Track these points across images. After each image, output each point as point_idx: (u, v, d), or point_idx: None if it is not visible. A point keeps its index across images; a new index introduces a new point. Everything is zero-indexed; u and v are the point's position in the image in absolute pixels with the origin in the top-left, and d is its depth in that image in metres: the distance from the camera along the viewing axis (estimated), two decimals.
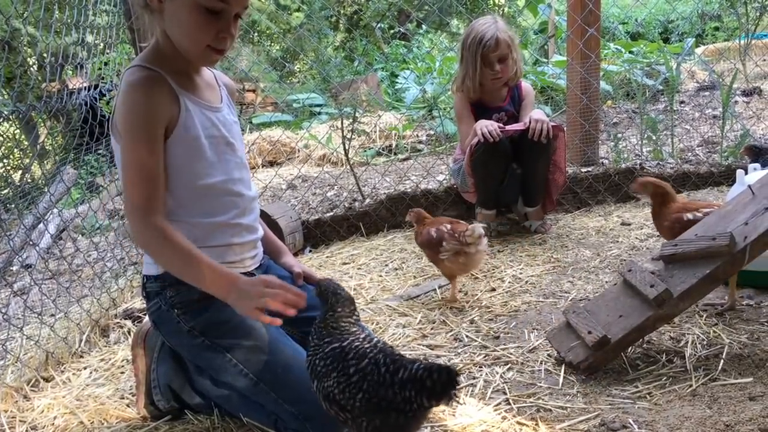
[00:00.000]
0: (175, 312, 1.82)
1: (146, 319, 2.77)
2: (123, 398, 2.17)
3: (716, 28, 11.14)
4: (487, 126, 3.42)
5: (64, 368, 2.49)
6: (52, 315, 2.92)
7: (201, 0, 1.68)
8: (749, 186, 2.17)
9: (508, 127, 3.46)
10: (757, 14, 7.25)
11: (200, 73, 1.89)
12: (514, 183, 3.62)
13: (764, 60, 6.99)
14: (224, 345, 1.79)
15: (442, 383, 1.37)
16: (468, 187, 3.72)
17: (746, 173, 2.82)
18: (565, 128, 4.44)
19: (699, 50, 8.45)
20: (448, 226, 2.72)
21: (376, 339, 1.59)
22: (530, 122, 3.41)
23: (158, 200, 1.72)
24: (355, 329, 1.61)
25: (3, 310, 3.22)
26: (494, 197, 3.69)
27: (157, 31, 1.78)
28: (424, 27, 11.23)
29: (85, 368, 2.48)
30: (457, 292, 2.78)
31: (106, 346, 2.70)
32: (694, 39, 8.33)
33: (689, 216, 2.44)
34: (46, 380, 2.39)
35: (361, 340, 1.57)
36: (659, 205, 2.55)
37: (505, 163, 3.54)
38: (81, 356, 2.61)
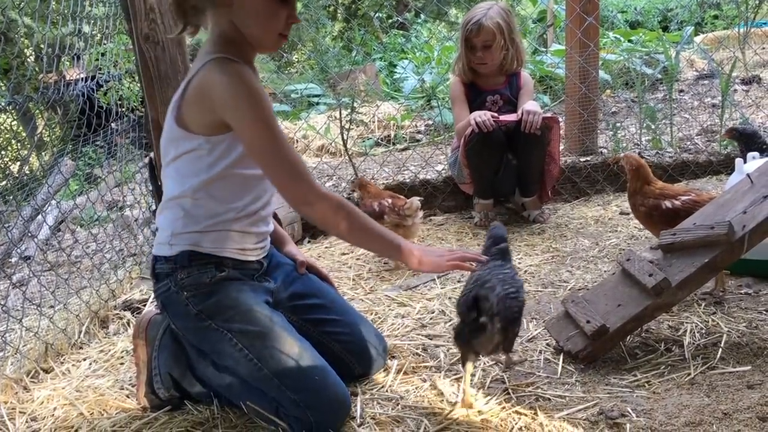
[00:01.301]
0: (184, 294, 1.84)
1: (147, 308, 2.80)
2: (123, 389, 2.17)
3: (715, 17, 11.10)
4: (482, 116, 3.43)
5: (64, 359, 2.49)
6: (51, 306, 2.92)
7: None
8: (748, 175, 2.17)
9: (502, 118, 3.46)
10: (757, 2, 7.23)
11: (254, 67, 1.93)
12: (509, 173, 3.63)
13: (763, 48, 6.98)
14: (231, 329, 1.81)
15: None
16: (464, 178, 3.73)
17: (745, 162, 2.82)
18: (562, 118, 4.44)
19: (698, 39, 8.42)
20: (389, 201, 3.04)
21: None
22: (522, 114, 3.41)
23: (308, 171, 1.81)
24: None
25: (2, 302, 3.23)
26: (490, 187, 3.69)
27: (222, 23, 1.80)
28: (422, 16, 11.19)
29: (84, 359, 2.48)
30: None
31: (105, 338, 2.70)
32: (693, 27, 8.30)
33: (668, 204, 2.50)
34: (46, 372, 2.40)
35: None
36: (636, 184, 2.62)
37: (499, 153, 3.55)
38: (80, 347, 2.61)
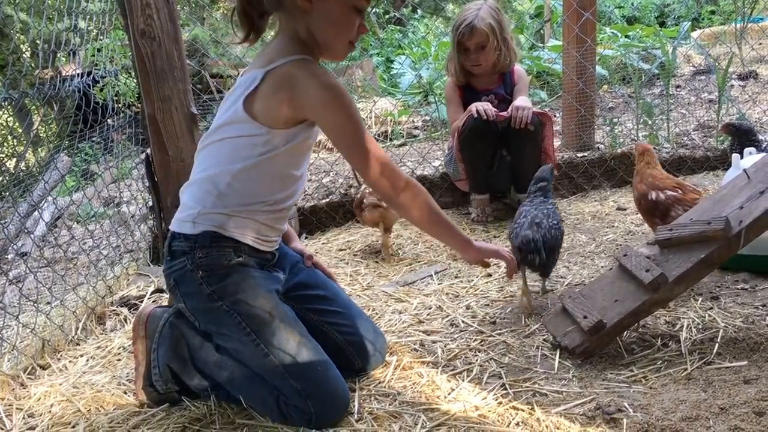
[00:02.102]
0: (199, 273, 1.85)
1: (146, 303, 2.79)
2: (120, 385, 2.17)
3: (712, 12, 11.10)
4: (483, 105, 3.47)
5: (61, 356, 2.49)
6: (48, 303, 2.92)
7: (354, 0, 1.82)
8: (744, 170, 2.17)
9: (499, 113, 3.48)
10: None
11: None
12: (504, 170, 3.65)
13: (760, 44, 6.98)
14: (241, 312, 1.82)
15: None
16: (459, 174, 3.74)
17: (741, 157, 2.82)
18: (559, 114, 4.44)
19: (695, 34, 8.42)
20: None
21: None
22: (512, 110, 3.43)
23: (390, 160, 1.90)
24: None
25: None
26: (484, 181, 3.70)
27: (297, 27, 1.84)
28: (419, 12, 11.18)
29: (81, 356, 2.48)
30: (389, 245, 3.26)
31: (102, 334, 2.70)
32: (690, 23, 8.30)
33: (653, 196, 2.58)
34: (43, 368, 2.39)
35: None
36: (639, 164, 2.75)
37: (492, 146, 3.58)
38: (77, 344, 2.61)
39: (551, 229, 2.36)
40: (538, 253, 2.30)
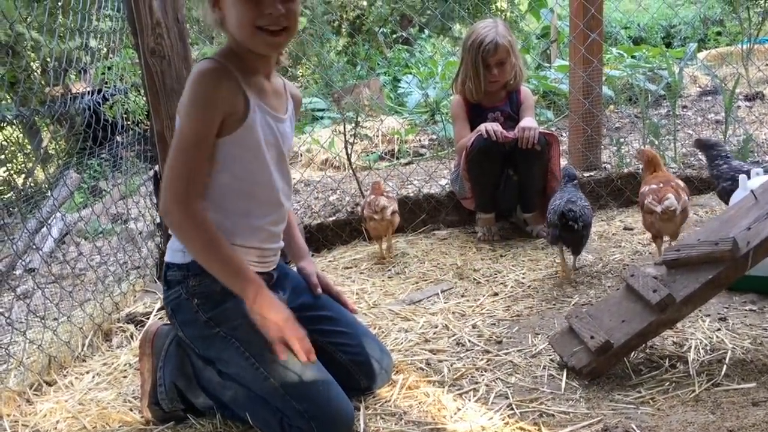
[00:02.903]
0: (195, 302, 1.85)
1: (152, 320, 2.80)
2: (126, 402, 2.17)
3: (719, 33, 11.14)
4: (493, 125, 3.49)
5: (67, 372, 2.49)
6: (55, 319, 2.92)
7: None
8: (752, 191, 2.17)
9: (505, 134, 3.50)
10: (760, 19, 7.25)
11: (270, 80, 1.93)
12: (510, 189, 3.66)
13: (767, 65, 7.00)
14: (238, 337, 1.81)
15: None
16: (466, 192, 3.75)
17: (749, 178, 2.82)
18: (566, 134, 4.45)
19: (701, 55, 8.46)
20: (371, 197, 3.43)
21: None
22: (518, 131, 3.46)
23: (198, 184, 1.77)
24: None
25: (6, 314, 3.23)
26: (491, 200, 3.71)
27: (229, 38, 1.84)
28: (426, 32, 11.25)
29: (87, 372, 2.48)
30: (382, 249, 3.52)
31: (108, 350, 2.70)
32: (696, 44, 8.33)
33: (642, 188, 2.92)
34: (49, 384, 2.40)
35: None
36: (645, 174, 3.05)
37: (499, 166, 3.58)
38: (84, 360, 2.61)
39: (584, 208, 2.81)
40: (576, 222, 2.71)
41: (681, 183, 2.92)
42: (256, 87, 1.85)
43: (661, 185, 2.86)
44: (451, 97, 6.16)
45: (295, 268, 2.19)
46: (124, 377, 2.39)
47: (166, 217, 1.77)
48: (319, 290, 2.12)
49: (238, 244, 1.86)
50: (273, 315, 1.75)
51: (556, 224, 2.78)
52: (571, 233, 2.77)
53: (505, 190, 3.67)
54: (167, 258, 1.92)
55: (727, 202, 3.09)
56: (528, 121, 3.54)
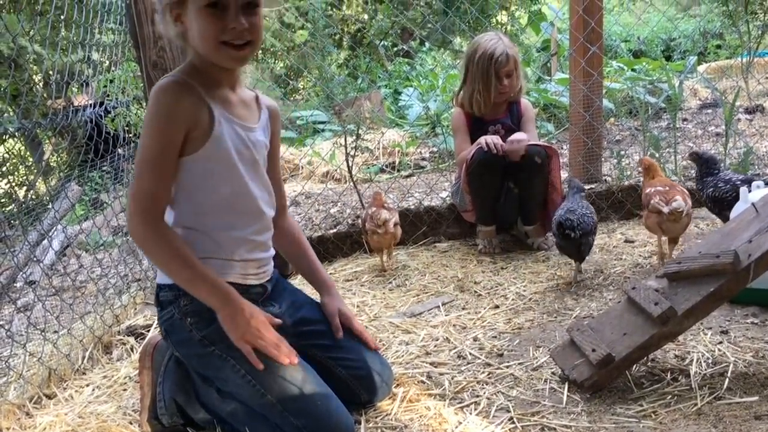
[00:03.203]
0: (188, 321, 1.83)
1: (153, 332, 2.79)
2: (126, 415, 2.16)
3: (718, 46, 11.19)
4: (493, 138, 3.51)
5: (67, 385, 2.49)
6: (56, 331, 2.92)
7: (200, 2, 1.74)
8: (753, 204, 2.17)
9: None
10: (759, 32, 7.28)
11: (236, 91, 1.92)
12: (511, 202, 3.66)
13: (766, 78, 7.02)
14: (234, 355, 1.79)
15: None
16: (466, 205, 3.75)
17: (750, 191, 2.82)
18: (566, 146, 4.46)
19: (701, 68, 8.49)
20: (372, 209, 3.47)
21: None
22: (507, 144, 3.49)
23: (162, 200, 1.76)
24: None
25: (6, 327, 3.23)
26: (491, 213, 3.71)
27: (189, 51, 1.83)
28: (427, 45, 11.30)
29: (87, 385, 2.47)
30: (383, 261, 3.56)
31: (108, 363, 2.70)
32: (696, 57, 8.36)
33: (652, 201, 2.97)
34: (49, 397, 2.39)
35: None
36: (645, 180, 3.22)
37: (500, 178, 3.59)
38: (84, 373, 2.60)
39: (584, 216, 2.91)
40: (573, 230, 2.83)
41: (684, 189, 3.04)
42: (220, 99, 1.84)
43: (668, 188, 3.00)
44: (451, 109, 6.20)
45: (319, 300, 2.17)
46: (124, 390, 2.39)
47: (132, 234, 1.78)
48: (340, 334, 2.06)
49: (225, 258, 1.86)
50: (243, 325, 1.76)
51: (555, 233, 2.96)
52: (568, 241, 2.89)
53: (506, 203, 3.68)
54: (158, 279, 1.92)
55: (711, 210, 3.23)
56: (518, 135, 3.54)
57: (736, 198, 2.95)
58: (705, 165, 3.31)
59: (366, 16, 12.87)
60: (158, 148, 1.74)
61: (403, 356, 2.39)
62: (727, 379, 1.98)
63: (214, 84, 1.84)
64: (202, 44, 1.77)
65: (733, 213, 2.74)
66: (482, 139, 3.51)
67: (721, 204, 3.13)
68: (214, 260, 1.84)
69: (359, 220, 3.83)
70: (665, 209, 2.88)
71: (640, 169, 3.53)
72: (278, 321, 1.87)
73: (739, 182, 3.10)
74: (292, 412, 1.73)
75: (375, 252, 3.63)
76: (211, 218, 1.84)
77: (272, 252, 2.03)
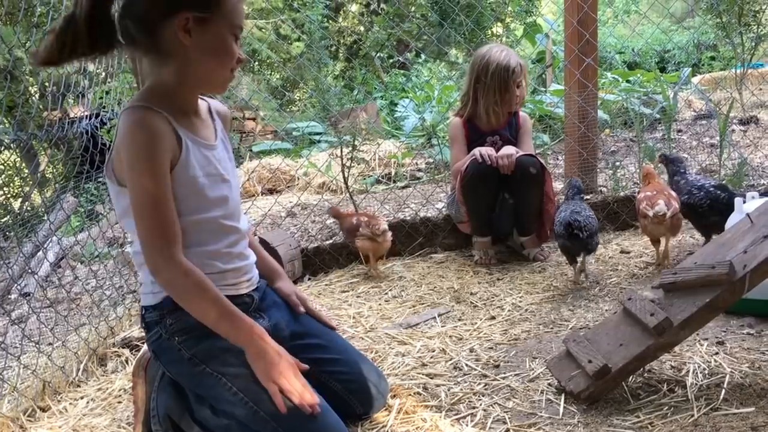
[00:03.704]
0: (176, 340, 1.81)
1: (146, 347, 2.78)
2: (120, 428, 2.15)
3: (712, 58, 11.26)
4: (487, 149, 3.54)
5: (61, 398, 2.47)
6: (50, 344, 2.90)
7: (234, 24, 1.76)
8: (748, 214, 2.18)
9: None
10: (753, 44, 7.33)
11: (197, 110, 1.90)
12: (506, 212, 3.67)
13: (760, 89, 7.06)
14: (225, 373, 1.77)
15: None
16: (462, 217, 3.75)
17: (744, 201, 2.83)
18: (562, 157, 4.47)
19: (695, 79, 8.52)
20: (366, 218, 3.58)
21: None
22: (497, 159, 3.52)
23: (176, 235, 1.73)
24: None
25: (0, 339, 3.21)
26: (487, 224, 3.71)
27: (160, 71, 1.78)
28: (422, 56, 11.34)
29: (82, 398, 2.46)
30: (374, 268, 3.66)
31: (103, 375, 2.68)
32: (690, 68, 8.41)
33: (641, 207, 3.17)
34: (43, 410, 2.37)
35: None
36: (643, 185, 3.44)
37: (495, 190, 3.60)
38: (78, 385, 2.59)
39: (589, 218, 3.03)
40: (581, 231, 2.92)
41: (673, 193, 3.24)
42: (185, 123, 1.82)
43: (655, 193, 3.19)
44: (447, 120, 6.21)
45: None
46: (119, 403, 2.37)
47: (156, 277, 1.75)
48: (302, 309, 2.08)
49: (211, 273, 1.82)
50: (270, 364, 1.73)
51: (563, 234, 3.00)
52: (576, 241, 2.97)
53: (501, 214, 3.68)
54: (141, 302, 1.90)
55: (684, 215, 3.28)
56: (507, 149, 3.57)
57: (711, 206, 3.15)
58: (672, 164, 3.51)
59: (362, 28, 12.93)
60: (154, 183, 1.69)
61: (399, 368, 2.39)
62: (724, 390, 1.98)
63: (179, 108, 1.81)
64: (218, 68, 1.79)
65: (728, 224, 2.75)
66: (476, 151, 3.53)
67: (695, 211, 3.23)
68: None
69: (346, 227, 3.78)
70: (650, 212, 3.09)
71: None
72: (305, 367, 1.81)
73: (712, 188, 3.22)
74: (287, 428, 1.70)
75: (364, 258, 3.72)
76: (185, 239, 1.79)
77: (251, 259, 1.99)
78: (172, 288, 1.76)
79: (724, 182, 3.52)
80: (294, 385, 1.72)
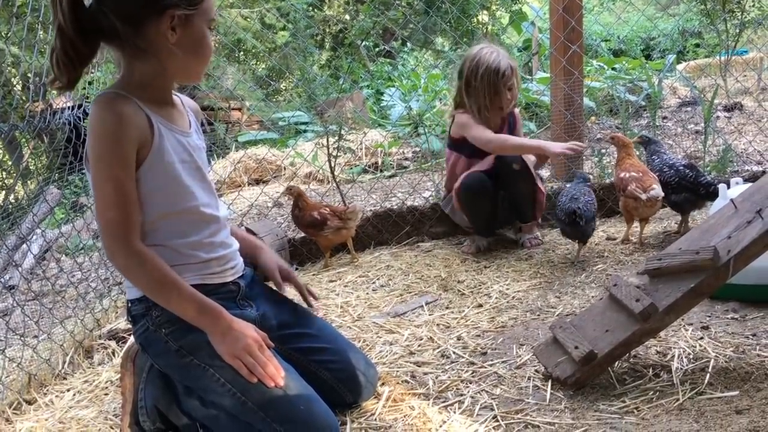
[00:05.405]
0: (163, 332, 1.80)
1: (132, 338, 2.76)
2: (107, 420, 2.14)
3: (697, 45, 11.30)
4: (475, 174, 3.60)
5: (47, 390, 2.46)
6: (35, 336, 2.89)
7: (210, 17, 1.78)
8: (731, 200, 2.19)
9: (480, 168, 3.62)
10: (737, 31, 7.36)
11: (172, 101, 1.89)
12: (506, 208, 3.70)
13: (744, 76, 7.09)
14: (213, 364, 1.77)
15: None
16: (465, 222, 3.76)
17: (728, 187, 2.85)
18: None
19: (680, 66, 8.56)
20: (328, 210, 3.57)
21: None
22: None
23: (135, 222, 1.71)
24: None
25: None
26: (489, 225, 3.73)
27: (136, 63, 1.77)
28: (408, 45, 11.31)
29: (68, 390, 2.44)
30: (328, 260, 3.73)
31: (89, 368, 2.67)
32: (675, 55, 8.44)
33: (621, 174, 3.39)
34: (29, 403, 2.36)
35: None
36: (620, 155, 3.55)
37: (492, 195, 3.60)
38: (64, 378, 2.57)
39: (587, 203, 3.17)
40: (581, 218, 3.08)
41: (653, 174, 3.40)
42: (159, 110, 1.81)
43: (642, 175, 3.32)
44: (434, 109, 6.20)
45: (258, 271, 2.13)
46: (106, 395, 2.36)
47: (112, 262, 1.75)
48: (284, 289, 2.09)
49: (190, 263, 1.82)
50: (232, 342, 1.74)
51: (564, 220, 3.19)
52: (575, 228, 3.16)
53: (502, 211, 3.71)
54: (127, 296, 1.89)
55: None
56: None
57: (679, 182, 3.33)
58: (654, 145, 3.64)
59: (347, 17, 12.87)
60: (117, 170, 1.68)
61: (387, 356, 2.39)
62: (708, 375, 2.00)
63: (152, 98, 1.80)
64: (200, 60, 1.81)
65: (713, 209, 2.77)
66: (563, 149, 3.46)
67: (666, 188, 3.35)
68: (173, 266, 1.77)
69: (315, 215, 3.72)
70: (643, 196, 3.22)
71: (609, 141, 3.81)
72: (271, 344, 1.82)
73: (681, 167, 3.40)
74: (275, 418, 1.71)
75: (325, 250, 3.75)
76: (163, 233, 1.78)
77: (234, 247, 1.97)
78: (129, 274, 1.74)
79: (693, 162, 3.69)
80: (257, 358, 1.73)
